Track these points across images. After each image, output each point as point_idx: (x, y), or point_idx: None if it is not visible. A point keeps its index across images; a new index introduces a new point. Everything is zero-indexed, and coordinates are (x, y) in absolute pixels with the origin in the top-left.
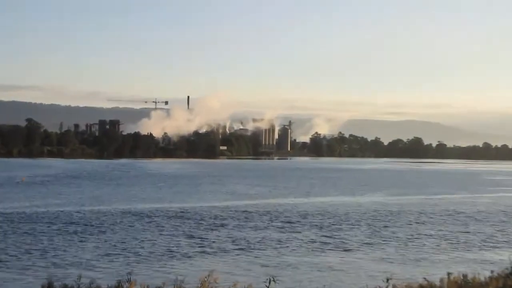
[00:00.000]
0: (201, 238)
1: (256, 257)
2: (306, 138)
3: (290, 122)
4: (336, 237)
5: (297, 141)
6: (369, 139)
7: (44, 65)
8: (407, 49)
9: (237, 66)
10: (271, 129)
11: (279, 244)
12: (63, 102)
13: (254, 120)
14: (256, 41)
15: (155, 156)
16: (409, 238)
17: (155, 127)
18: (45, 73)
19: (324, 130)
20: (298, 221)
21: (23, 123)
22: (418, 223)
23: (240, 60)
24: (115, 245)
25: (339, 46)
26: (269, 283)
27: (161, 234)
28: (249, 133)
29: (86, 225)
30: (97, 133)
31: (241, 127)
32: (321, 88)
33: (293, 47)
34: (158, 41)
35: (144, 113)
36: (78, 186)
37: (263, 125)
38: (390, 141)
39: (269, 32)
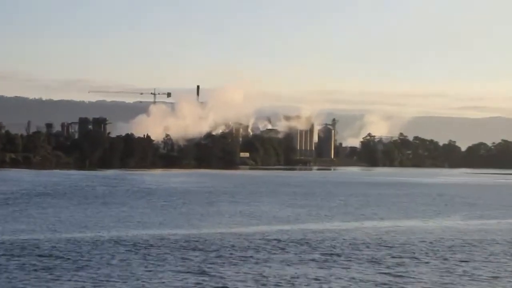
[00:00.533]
0: (216, 275)
1: None
2: (355, 142)
3: (334, 120)
4: (397, 275)
5: (343, 145)
6: (440, 143)
7: (5, 47)
8: (486, 28)
9: (262, 47)
10: (309, 130)
11: (318, 284)
12: (31, 95)
13: (286, 118)
14: (287, 15)
15: (154, 165)
16: (495, 277)
17: (154, 127)
18: (7, 57)
19: (380, 131)
20: (344, 253)
21: None
22: (507, 255)
23: (267, 40)
24: (99, 286)
25: (398, 23)
26: None
27: (161, 271)
28: (279, 135)
29: (60, 258)
30: (76, 136)
31: (269, 127)
32: (375, 76)
33: (337, 23)
34: (157, 15)
35: (139, 109)
36: (51, 207)
37: (298, 125)
38: (470, 145)
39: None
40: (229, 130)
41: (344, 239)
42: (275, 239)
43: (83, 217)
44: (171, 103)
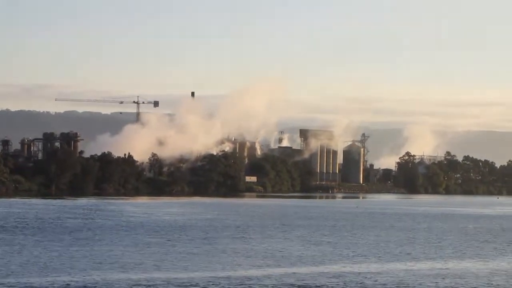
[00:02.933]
0: None
1: None
2: (390, 163)
3: (363, 136)
4: None
5: (374, 167)
6: (497, 164)
7: None
8: None
9: (273, 48)
10: (332, 148)
11: None
12: None
13: (303, 133)
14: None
15: (137, 193)
16: None
17: (137, 144)
18: None
19: (422, 149)
20: None
21: None
22: None
23: (275, 33)
24: None
25: (449, 20)
26: None
27: None
28: (294, 155)
29: None
30: (40, 155)
31: (281, 145)
32: (416, 81)
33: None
34: (138, 11)
35: (118, 121)
36: (8, 244)
37: (319, 141)
38: None
39: None
40: (232, 147)
41: (382, 282)
42: (293, 284)
43: (49, 256)
44: (158, 114)
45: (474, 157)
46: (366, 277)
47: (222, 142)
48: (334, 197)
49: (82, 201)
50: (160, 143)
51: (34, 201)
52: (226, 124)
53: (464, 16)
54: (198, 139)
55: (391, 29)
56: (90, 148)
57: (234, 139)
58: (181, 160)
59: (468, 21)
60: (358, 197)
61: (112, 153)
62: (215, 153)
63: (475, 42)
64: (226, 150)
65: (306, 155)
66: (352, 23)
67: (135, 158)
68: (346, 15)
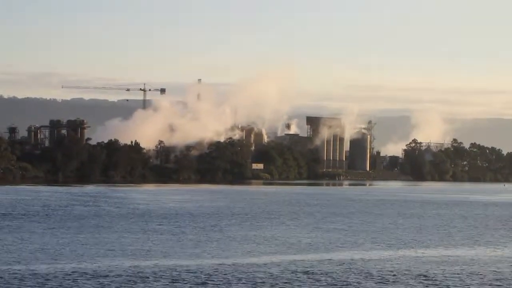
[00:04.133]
0: None
1: None
2: (397, 150)
3: (370, 123)
4: None
5: (381, 154)
6: (504, 151)
7: None
8: None
9: (278, 36)
10: (338, 135)
11: None
12: None
13: (310, 120)
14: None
15: (144, 180)
16: None
17: (144, 131)
18: None
19: (429, 136)
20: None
21: None
22: None
23: (280, 21)
24: None
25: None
26: None
27: None
28: (300, 142)
29: None
30: (47, 143)
31: (288, 132)
32: (423, 68)
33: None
34: None
35: (125, 109)
36: (15, 231)
37: (326, 128)
38: None
39: None
40: (240, 136)
41: (395, 268)
42: (303, 272)
43: (56, 244)
44: (165, 101)
45: (481, 144)
46: (375, 264)
47: (232, 129)
48: (341, 185)
49: (89, 188)
50: (169, 129)
51: (40, 188)
52: (236, 112)
53: (471, 3)
54: (208, 126)
55: (400, 17)
56: (97, 135)
57: (241, 126)
58: (188, 147)
59: (475, 8)
60: (365, 184)
61: (119, 140)
62: (222, 141)
63: (482, 30)
64: (233, 138)
65: (313, 142)
66: (361, 11)
67: (143, 145)
68: (353, 2)
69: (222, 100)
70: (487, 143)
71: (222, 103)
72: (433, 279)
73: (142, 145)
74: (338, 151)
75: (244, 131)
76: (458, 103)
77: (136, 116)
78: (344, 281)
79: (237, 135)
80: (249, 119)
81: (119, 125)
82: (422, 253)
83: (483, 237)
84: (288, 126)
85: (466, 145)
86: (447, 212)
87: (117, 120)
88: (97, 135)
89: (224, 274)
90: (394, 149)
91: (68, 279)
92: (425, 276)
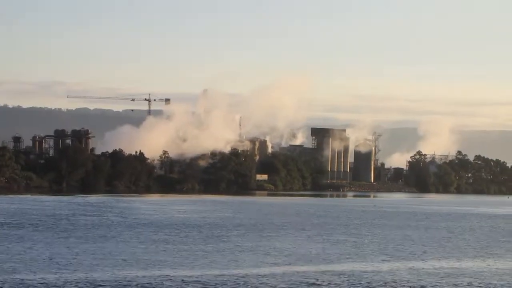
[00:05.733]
0: None
1: None
2: (401, 162)
3: (375, 134)
4: None
5: (385, 166)
6: (508, 164)
7: None
8: None
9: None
10: (343, 146)
11: None
12: None
13: (314, 132)
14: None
15: (148, 190)
16: None
17: (148, 142)
18: None
19: (434, 147)
20: None
21: None
22: None
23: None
24: None
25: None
26: None
27: None
28: (305, 153)
29: None
30: (51, 152)
31: (292, 143)
32: (429, 78)
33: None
34: (150, 8)
35: (129, 119)
36: (19, 241)
37: (330, 139)
38: None
39: None
40: (246, 147)
41: (397, 281)
42: (307, 283)
43: (60, 254)
44: (170, 111)
45: (486, 156)
46: (382, 276)
47: (241, 140)
48: (345, 196)
49: (93, 198)
50: (179, 139)
51: (44, 198)
52: (246, 122)
53: (478, 14)
54: (217, 136)
55: (407, 28)
56: (101, 145)
57: (245, 137)
58: (195, 158)
59: (483, 19)
60: (369, 196)
61: (123, 150)
62: (226, 151)
63: (488, 40)
64: (241, 148)
65: (317, 153)
66: (367, 23)
67: (150, 154)
68: (357, 15)
69: (233, 109)
70: (491, 155)
71: (232, 113)
72: None
73: (148, 154)
74: (342, 163)
75: (249, 141)
76: (464, 115)
77: (146, 123)
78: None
79: (246, 146)
80: (259, 129)
81: (130, 131)
82: (432, 265)
83: (492, 249)
84: (294, 135)
85: (471, 157)
86: (454, 224)
87: (127, 127)
88: (102, 145)
89: (228, 284)
90: (399, 161)
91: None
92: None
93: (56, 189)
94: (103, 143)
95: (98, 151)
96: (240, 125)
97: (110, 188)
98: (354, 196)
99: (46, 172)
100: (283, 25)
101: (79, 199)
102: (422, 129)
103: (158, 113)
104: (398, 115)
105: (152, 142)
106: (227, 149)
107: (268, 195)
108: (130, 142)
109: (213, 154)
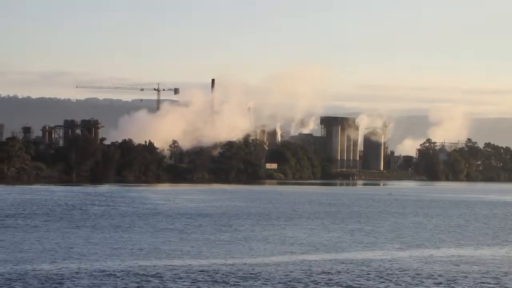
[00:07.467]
0: None
1: None
2: (411, 150)
3: (384, 123)
4: None
5: (395, 154)
6: None
7: None
8: None
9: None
10: (352, 134)
11: None
12: (4, 91)
13: (324, 120)
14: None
15: (158, 180)
16: None
17: (158, 131)
18: None
19: (444, 135)
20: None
21: None
22: None
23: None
24: None
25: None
26: None
27: None
28: (315, 142)
29: None
30: (61, 142)
31: (301, 132)
32: (441, 67)
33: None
34: None
35: (139, 108)
36: (31, 231)
37: (338, 128)
38: None
39: None
40: (254, 136)
41: (406, 268)
42: (323, 272)
43: (71, 243)
44: (179, 101)
45: (496, 144)
46: (394, 264)
47: (254, 130)
48: (354, 184)
49: (103, 188)
50: (191, 128)
51: (54, 188)
52: (259, 111)
53: (490, 3)
54: (230, 126)
55: (419, 16)
56: (111, 135)
57: (255, 126)
58: (207, 147)
59: (497, 5)
60: (379, 184)
61: (133, 140)
62: (238, 141)
63: (501, 28)
64: (251, 138)
65: (327, 142)
66: (379, 12)
67: (156, 145)
68: (369, 4)
69: (244, 100)
70: (501, 143)
71: (246, 103)
72: (455, 279)
73: (159, 143)
74: (352, 151)
75: (259, 131)
76: (474, 103)
77: (151, 114)
78: (364, 283)
79: (258, 135)
80: (273, 119)
81: (146, 117)
82: (448, 253)
83: (508, 237)
84: (303, 123)
85: (481, 145)
86: (467, 211)
87: (143, 111)
88: (111, 135)
89: (239, 273)
90: (409, 148)
91: (93, 279)
92: (451, 276)
93: (66, 179)
94: (117, 129)
95: (112, 139)
96: (252, 114)
97: (120, 178)
98: (364, 184)
99: (56, 162)
100: (293, 16)
101: (90, 189)
102: (433, 116)
103: (172, 102)
104: (408, 104)
105: (165, 129)
106: (239, 138)
107: (278, 184)
108: (144, 128)
109: (227, 144)
